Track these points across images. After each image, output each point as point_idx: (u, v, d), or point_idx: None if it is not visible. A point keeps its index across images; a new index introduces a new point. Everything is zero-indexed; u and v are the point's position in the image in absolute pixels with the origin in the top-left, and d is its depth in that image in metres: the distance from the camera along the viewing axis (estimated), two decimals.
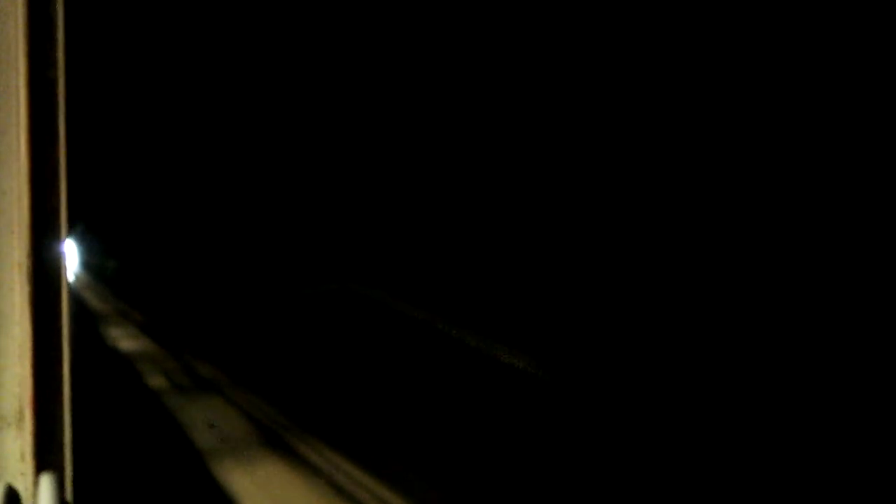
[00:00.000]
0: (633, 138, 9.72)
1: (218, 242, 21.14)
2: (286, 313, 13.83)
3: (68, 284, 1.14)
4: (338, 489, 6.15)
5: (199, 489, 6.17)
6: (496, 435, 6.85)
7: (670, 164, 9.28)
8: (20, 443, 0.96)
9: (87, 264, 32.69)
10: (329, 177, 15.17)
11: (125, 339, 14.84)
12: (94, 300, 23.57)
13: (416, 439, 7.36)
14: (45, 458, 0.97)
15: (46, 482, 0.82)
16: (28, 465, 0.95)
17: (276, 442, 7.44)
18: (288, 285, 14.62)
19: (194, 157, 23.74)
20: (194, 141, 23.68)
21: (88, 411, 7.55)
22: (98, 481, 5.63)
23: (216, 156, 22.08)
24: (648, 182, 9.35)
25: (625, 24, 9.62)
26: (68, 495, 0.98)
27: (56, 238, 1.04)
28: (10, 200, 1.00)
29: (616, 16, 9.69)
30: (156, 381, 10.70)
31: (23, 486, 0.90)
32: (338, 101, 14.49)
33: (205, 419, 8.45)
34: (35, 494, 0.82)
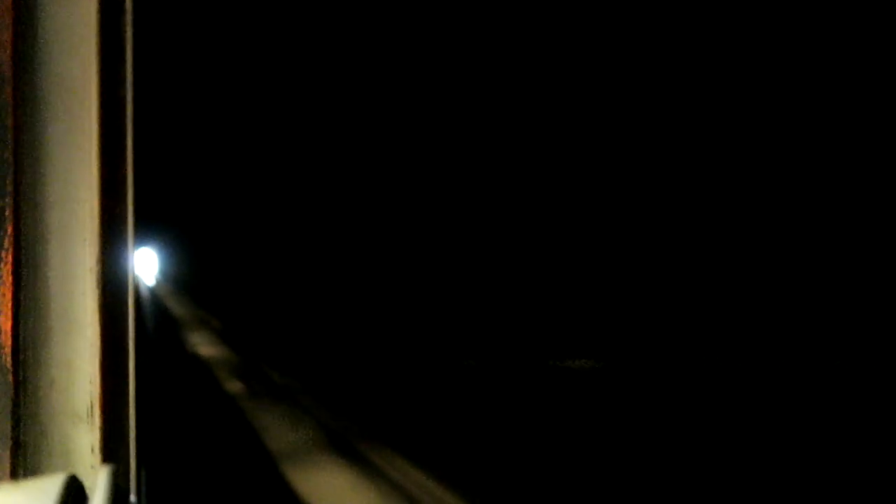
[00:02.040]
0: (628, 141, 9.48)
1: (294, 255, 21.70)
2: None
3: (135, 289, 1.21)
4: (403, 493, 6.19)
5: (270, 490, 6.33)
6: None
7: (665, 166, 9.01)
8: (91, 437, 1.03)
9: (171, 273, 34.11)
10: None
11: (205, 346, 15.42)
12: (176, 307, 24.58)
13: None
14: (113, 451, 1.03)
15: (110, 474, 0.88)
16: (97, 457, 1.01)
17: (345, 448, 7.57)
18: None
19: (274, 169, 24.42)
20: (275, 152, 24.36)
21: (169, 412, 7.87)
22: (175, 478, 5.86)
23: (290, 168, 22.65)
24: (649, 182, 9.10)
25: (624, 26, 9.41)
26: (132, 488, 1.05)
27: (123, 245, 1.12)
28: (84, 210, 1.08)
29: (616, 17, 9.49)
30: (232, 386, 11.07)
31: (91, 478, 0.96)
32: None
33: (277, 424, 8.68)
34: (104, 486, 0.88)
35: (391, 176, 17.49)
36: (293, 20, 19.75)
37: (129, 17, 1.20)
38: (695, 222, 8.46)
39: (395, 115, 17.45)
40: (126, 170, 1.15)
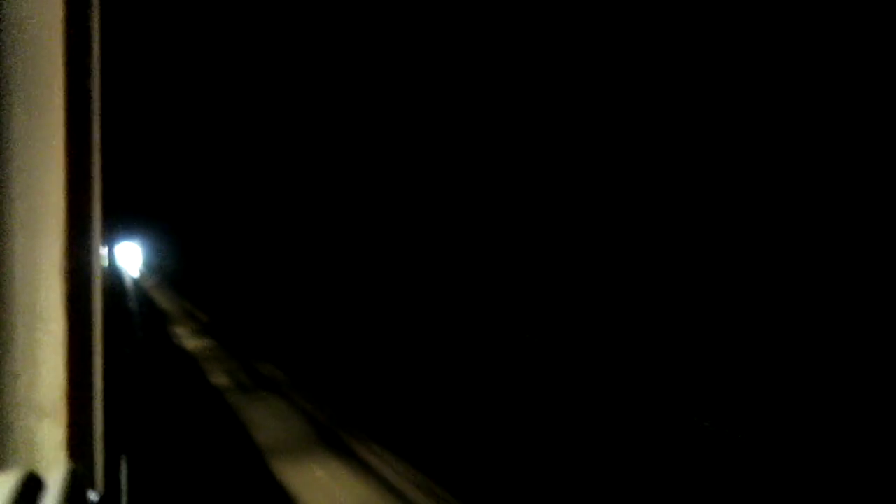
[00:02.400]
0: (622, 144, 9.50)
1: (278, 247, 21.61)
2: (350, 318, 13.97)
3: (116, 283, 1.20)
4: (391, 487, 6.20)
5: (258, 484, 6.32)
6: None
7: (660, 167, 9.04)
8: (56, 432, 1.02)
9: (157, 266, 33.91)
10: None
11: (191, 338, 15.35)
12: (162, 300, 24.45)
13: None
14: (78, 447, 1.02)
15: (69, 470, 0.87)
16: (62, 453, 1.00)
17: (334, 442, 7.57)
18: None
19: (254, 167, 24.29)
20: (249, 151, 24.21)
21: (155, 405, 7.83)
22: (161, 472, 5.84)
23: (272, 165, 22.53)
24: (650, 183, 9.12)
25: (624, 26, 9.42)
26: (98, 483, 1.04)
27: (91, 239, 1.10)
28: (50, 204, 1.06)
29: (616, 17, 9.50)
30: (219, 379, 11.03)
31: (56, 475, 0.95)
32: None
33: (265, 418, 8.65)
34: (64, 482, 0.86)
35: (376, 167, 17.43)
36: (272, 7, 19.64)
37: (96, 5, 1.18)
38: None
39: (378, 102, 17.40)
40: (94, 163, 1.13)
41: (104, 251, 1.17)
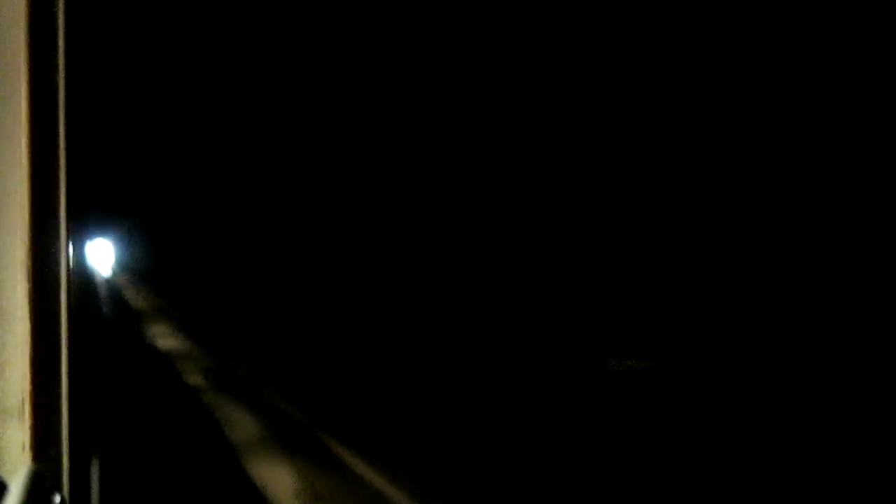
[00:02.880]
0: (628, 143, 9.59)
1: (254, 245, 21.44)
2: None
3: (73, 282, 1.18)
4: (364, 485, 6.19)
5: (232, 482, 6.28)
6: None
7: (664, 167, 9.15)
8: (21, 434, 1.00)
9: (130, 264, 33.47)
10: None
11: (165, 337, 15.17)
12: (135, 299, 24.14)
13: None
14: (44, 449, 1.01)
15: (31, 472, 0.86)
16: (27, 455, 0.99)
17: (309, 441, 7.53)
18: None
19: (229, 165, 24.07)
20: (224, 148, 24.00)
21: (129, 405, 7.73)
22: (137, 471, 5.77)
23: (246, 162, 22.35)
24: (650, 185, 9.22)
25: (624, 26, 9.49)
26: (65, 486, 1.02)
27: (56, 238, 1.08)
28: (14, 202, 1.04)
29: (615, 17, 9.57)
30: (193, 378, 10.92)
31: (21, 477, 0.94)
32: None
33: (240, 417, 8.59)
34: (27, 485, 0.85)
35: (348, 164, 17.37)
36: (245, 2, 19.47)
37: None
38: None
39: (342, 96, 17.35)
40: (59, 161, 1.11)
41: (71, 250, 1.15)
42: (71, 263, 1.17)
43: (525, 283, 11.87)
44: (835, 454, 6.00)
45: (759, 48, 7.84)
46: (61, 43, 1.13)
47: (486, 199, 12.35)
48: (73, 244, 1.22)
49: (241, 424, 8.23)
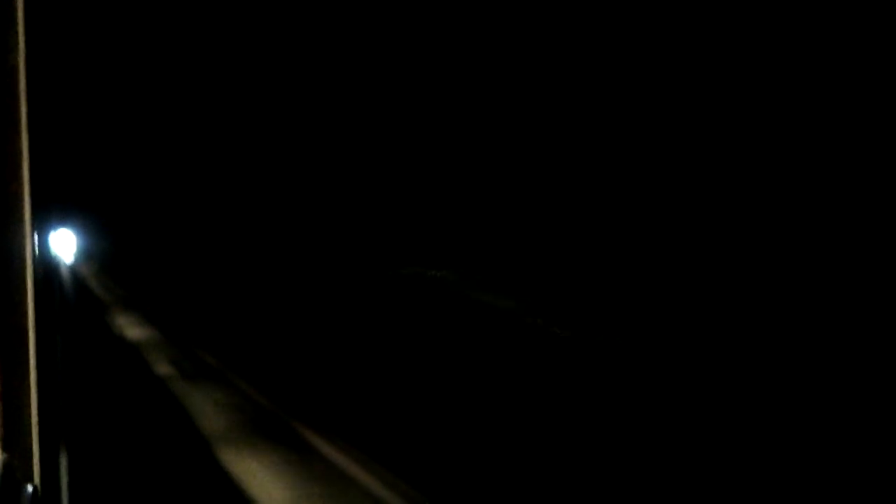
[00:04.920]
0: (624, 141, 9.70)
1: (224, 230, 21.19)
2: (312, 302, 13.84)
3: (39, 272, 1.16)
4: (340, 475, 6.20)
5: (203, 472, 6.23)
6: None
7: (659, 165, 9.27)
8: None
9: (93, 253, 32.82)
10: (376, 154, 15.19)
11: (132, 327, 14.95)
12: (99, 289, 23.70)
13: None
14: (12, 441, 0.99)
15: (9, 463, 0.84)
16: None
17: (280, 430, 7.51)
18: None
19: (203, 143, 23.77)
20: (200, 129, 23.68)
21: (98, 397, 7.62)
22: (107, 463, 5.70)
23: (228, 139, 22.10)
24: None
25: (624, 25, 9.54)
26: (35, 477, 1.01)
27: (20, 226, 1.06)
28: None
29: (616, 16, 9.61)
30: (161, 368, 10.79)
31: None
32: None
33: (209, 407, 8.52)
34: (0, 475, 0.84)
35: (309, 156, 17.41)
36: None
37: None
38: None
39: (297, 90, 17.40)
40: (20, 145, 1.08)
41: (36, 239, 1.13)
42: (35, 254, 1.15)
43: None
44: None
45: (760, 48, 7.92)
46: (21, 33, 1.10)
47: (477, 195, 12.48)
48: (37, 235, 1.19)
49: (213, 414, 8.17)
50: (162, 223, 26.58)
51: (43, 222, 1.46)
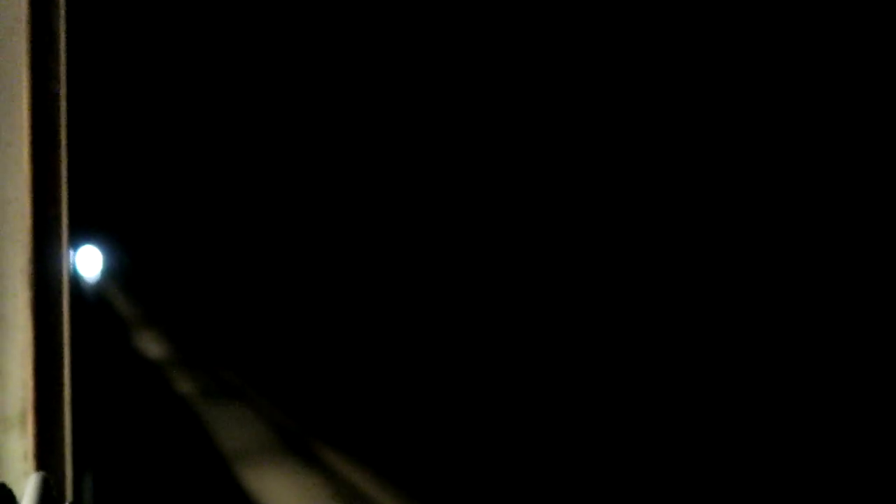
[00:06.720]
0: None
1: (243, 252, 21.38)
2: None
3: (73, 290, 1.18)
4: (357, 493, 6.17)
5: (223, 491, 6.24)
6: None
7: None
8: (23, 443, 0.99)
9: (119, 271, 33.26)
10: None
11: (154, 345, 15.07)
12: (123, 307, 23.95)
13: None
14: (47, 458, 1.00)
15: (40, 481, 0.85)
16: (30, 465, 0.98)
17: (300, 449, 7.50)
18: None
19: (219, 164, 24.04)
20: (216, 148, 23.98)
21: (119, 415, 7.68)
22: (128, 479, 5.73)
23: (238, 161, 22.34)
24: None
25: (624, 25, 9.57)
26: (68, 495, 1.02)
27: (58, 246, 1.08)
28: (15, 210, 1.04)
29: (616, 16, 9.64)
30: (183, 386, 10.85)
31: (24, 485, 0.93)
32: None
33: (230, 425, 8.55)
34: (35, 493, 0.85)
35: (352, 169, 17.49)
36: (236, 8, 19.55)
37: (61, 7, 1.16)
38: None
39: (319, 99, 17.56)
40: (60, 168, 1.11)
41: (73, 257, 1.15)
42: (72, 276, 1.17)
43: (521, 282, 11.98)
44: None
45: (759, 48, 7.90)
46: (62, 50, 1.13)
47: (483, 198, 12.47)
48: (73, 252, 1.21)
49: (232, 433, 8.18)
50: (183, 239, 26.88)
51: (80, 241, 1.49)
